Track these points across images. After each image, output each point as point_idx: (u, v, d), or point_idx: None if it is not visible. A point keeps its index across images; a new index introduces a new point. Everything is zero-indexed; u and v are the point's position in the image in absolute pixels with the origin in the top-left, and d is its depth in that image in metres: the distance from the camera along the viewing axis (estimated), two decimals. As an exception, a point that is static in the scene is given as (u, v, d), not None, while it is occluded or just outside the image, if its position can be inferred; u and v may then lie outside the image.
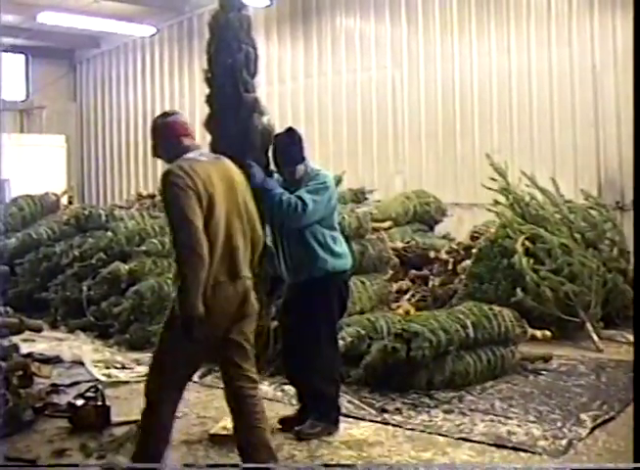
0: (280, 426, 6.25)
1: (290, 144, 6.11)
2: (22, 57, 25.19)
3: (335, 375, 6.34)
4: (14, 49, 24.34)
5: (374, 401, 7.02)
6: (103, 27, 21.72)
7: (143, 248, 10.78)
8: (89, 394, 6.64)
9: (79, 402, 6.57)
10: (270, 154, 6.03)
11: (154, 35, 22.55)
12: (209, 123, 5.92)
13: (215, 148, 5.85)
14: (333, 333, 6.36)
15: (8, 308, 7.58)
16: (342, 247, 6.30)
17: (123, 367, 8.54)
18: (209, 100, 5.93)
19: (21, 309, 8.88)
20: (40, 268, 11.92)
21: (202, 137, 5.76)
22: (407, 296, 10.72)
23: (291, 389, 7.05)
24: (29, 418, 6.48)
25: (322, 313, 6.14)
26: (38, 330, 8.09)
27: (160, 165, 21.93)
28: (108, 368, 8.32)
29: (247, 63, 5.80)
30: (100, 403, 6.54)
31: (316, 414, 6.15)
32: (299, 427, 6.10)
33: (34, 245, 12.26)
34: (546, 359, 8.43)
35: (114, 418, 6.52)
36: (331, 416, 6.22)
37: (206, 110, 5.97)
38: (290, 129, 6.21)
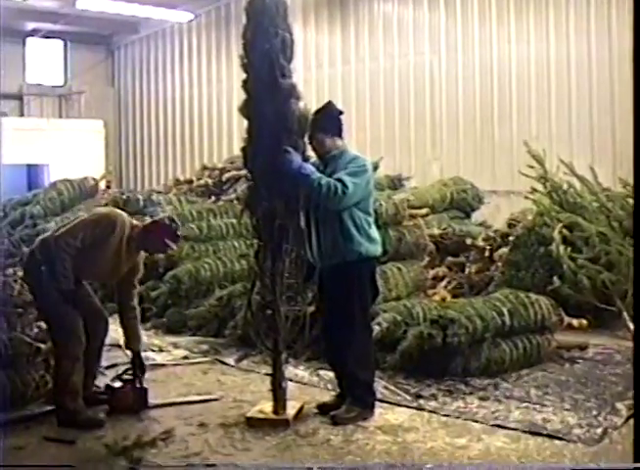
0: (318, 411, 6.29)
1: (323, 113, 6.14)
2: (60, 42, 25.34)
3: (369, 360, 6.36)
4: (52, 34, 24.49)
5: (409, 387, 7.02)
6: (141, 13, 21.81)
7: (180, 232, 10.82)
8: (126, 376, 6.68)
9: (117, 385, 6.62)
10: (306, 138, 6.05)
11: (191, 21, 22.61)
12: (246, 109, 5.93)
13: (252, 133, 5.87)
14: (366, 318, 6.38)
15: (48, 291, 7.64)
16: (375, 232, 6.32)
17: (160, 350, 8.60)
18: (246, 86, 5.94)
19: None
20: (79, 252, 12.02)
21: (239, 123, 5.79)
22: (443, 283, 10.69)
23: (327, 374, 7.09)
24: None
25: (355, 298, 6.16)
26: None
27: (197, 153, 22.09)
28: (145, 351, 8.38)
29: (283, 48, 5.81)
30: (138, 386, 6.59)
31: (351, 399, 6.18)
32: (335, 412, 6.13)
33: (73, 229, 12.36)
34: (582, 348, 8.39)
35: (152, 401, 6.58)
36: (366, 401, 6.24)
37: (243, 95, 5.99)
38: (328, 102, 6.31)
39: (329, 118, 6.19)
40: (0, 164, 13.48)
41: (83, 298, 6.52)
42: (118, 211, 6.86)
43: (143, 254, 6.75)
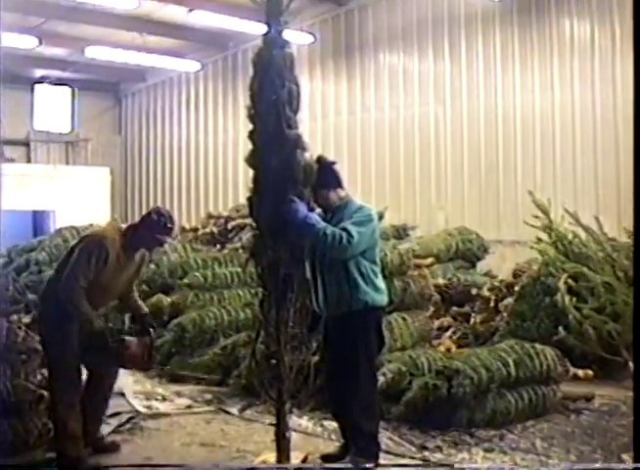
0: (322, 462, 6.24)
1: (318, 169, 6.15)
2: (68, 90, 25.57)
3: (374, 410, 6.32)
4: (60, 82, 24.71)
5: (414, 438, 6.98)
6: (148, 62, 22.02)
7: (185, 281, 10.83)
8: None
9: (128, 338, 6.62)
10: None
11: (199, 70, 22.81)
12: (252, 159, 5.95)
13: (258, 183, 5.90)
14: (371, 368, 6.35)
15: (51, 339, 7.65)
16: (381, 282, 6.31)
17: (164, 399, 8.57)
18: (252, 136, 5.97)
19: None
20: (83, 299, 12.01)
21: (244, 172, 5.82)
22: (449, 333, 10.67)
23: (331, 424, 7.05)
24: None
25: (361, 348, 6.14)
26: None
27: (203, 201, 22.15)
28: (148, 400, 8.34)
29: (290, 99, 5.84)
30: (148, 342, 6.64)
31: (356, 450, 6.12)
32: (339, 462, 6.08)
33: (78, 276, 12.36)
34: (588, 399, 8.34)
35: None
36: (371, 452, 6.18)
37: (249, 145, 6.02)
38: (319, 157, 6.28)
39: (325, 173, 6.19)
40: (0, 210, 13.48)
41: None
42: (100, 228, 7.13)
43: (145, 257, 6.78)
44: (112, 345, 6.30)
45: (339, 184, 6.28)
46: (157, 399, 8.48)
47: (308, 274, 6.08)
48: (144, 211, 6.96)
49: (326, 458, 6.28)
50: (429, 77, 17.91)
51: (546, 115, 16.00)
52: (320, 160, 6.24)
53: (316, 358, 6.43)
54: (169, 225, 6.57)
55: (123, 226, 6.77)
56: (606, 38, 15.23)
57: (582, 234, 10.56)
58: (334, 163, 6.39)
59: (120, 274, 6.47)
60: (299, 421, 7.38)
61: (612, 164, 14.74)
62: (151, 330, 6.70)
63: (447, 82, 17.55)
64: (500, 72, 16.75)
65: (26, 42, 19.28)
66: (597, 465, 5.42)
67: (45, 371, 6.68)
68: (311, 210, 5.97)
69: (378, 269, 6.29)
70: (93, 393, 6.42)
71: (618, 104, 14.69)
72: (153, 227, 6.48)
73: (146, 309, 6.95)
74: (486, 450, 6.68)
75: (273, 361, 6.04)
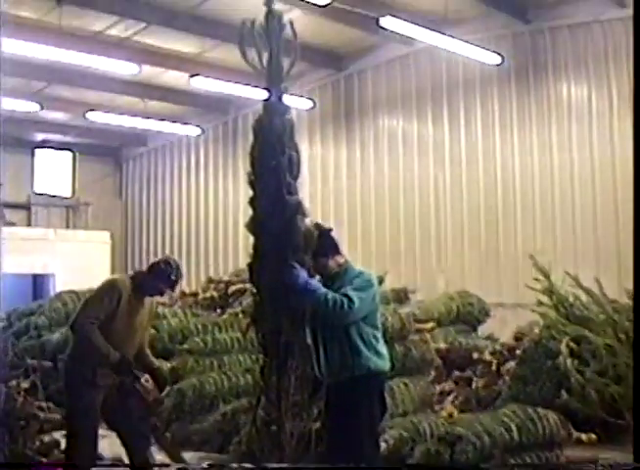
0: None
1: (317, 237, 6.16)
2: (69, 154, 25.70)
3: (376, 477, 6.26)
4: (61, 146, 24.87)
5: (416, 506, 6.91)
6: (149, 127, 22.17)
7: (185, 346, 10.78)
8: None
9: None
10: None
11: (199, 135, 22.96)
12: (253, 225, 5.98)
13: (258, 249, 5.91)
14: (374, 435, 6.29)
15: (50, 404, 7.63)
16: (383, 347, 6.28)
17: (164, 466, 8.46)
18: (253, 202, 6.00)
19: (63, 405, 8.91)
20: (82, 365, 11.94)
21: (245, 237, 5.83)
22: (450, 397, 10.59)
23: (332, 492, 6.95)
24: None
25: (363, 414, 6.08)
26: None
27: (203, 266, 22.15)
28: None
29: (290, 166, 5.88)
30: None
31: (358, 518, 6.05)
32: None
33: (78, 341, 12.31)
34: (592, 463, 8.25)
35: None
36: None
37: (249, 209, 6.04)
38: (315, 224, 6.29)
39: (323, 241, 6.18)
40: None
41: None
42: (114, 275, 7.45)
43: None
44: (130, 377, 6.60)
45: (337, 251, 6.27)
46: (157, 466, 8.39)
47: (309, 340, 6.05)
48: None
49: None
50: (428, 141, 18.04)
51: (545, 177, 16.09)
52: (317, 227, 6.25)
53: (318, 425, 6.37)
54: (173, 278, 6.77)
55: (133, 272, 7.08)
56: (603, 101, 15.37)
57: (583, 296, 10.55)
58: (330, 229, 6.39)
59: (134, 318, 6.71)
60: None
61: (611, 225, 14.78)
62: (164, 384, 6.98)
63: (447, 146, 17.67)
64: (499, 136, 16.88)
65: (28, 107, 19.43)
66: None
67: (44, 437, 6.67)
68: (312, 275, 5.97)
69: (379, 334, 6.26)
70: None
71: (617, 166, 14.78)
72: (158, 276, 6.72)
73: (157, 364, 7.10)
74: (490, 518, 6.60)
75: (274, 428, 6.00)
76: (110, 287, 6.73)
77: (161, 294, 7.00)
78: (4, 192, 22.55)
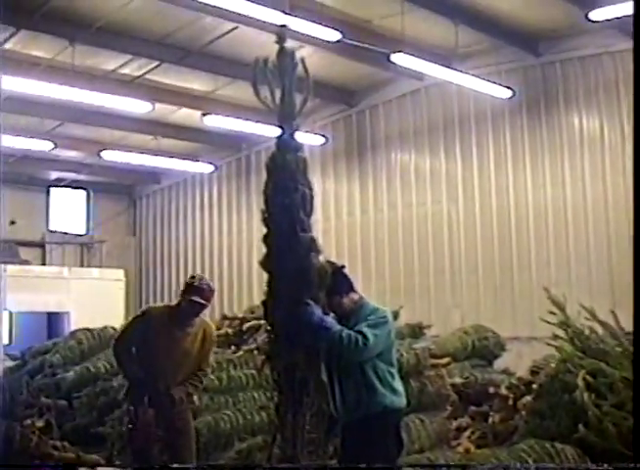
0: None
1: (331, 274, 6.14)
2: (83, 192, 25.83)
3: (394, 516, 6.20)
4: (75, 184, 25.00)
5: None
6: (162, 164, 22.26)
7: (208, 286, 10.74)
8: None
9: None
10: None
11: (212, 172, 23.04)
12: (267, 263, 5.97)
13: (272, 286, 5.90)
14: (391, 472, 6.26)
15: (65, 443, 7.62)
16: (399, 384, 6.25)
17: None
18: (266, 240, 5.99)
19: (77, 444, 8.91)
20: (97, 402, 11.91)
21: (258, 273, 5.84)
22: (467, 433, 10.50)
23: (349, 531, 6.89)
24: None
25: (380, 452, 6.05)
26: (95, 465, 8.08)
27: (217, 303, 22.09)
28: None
29: (303, 203, 5.88)
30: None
31: None
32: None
33: (92, 379, 12.29)
34: (610, 498, 8.16)
35: None
36: None
37: (262, 246, 6.04)
38: (328, 261, 6.27)
39: (336, 278, 6.16)
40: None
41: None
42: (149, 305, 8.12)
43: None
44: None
45: (351, 288, 6.25)
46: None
47: (324, 377, 6.03)
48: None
49: None
50: (440, 175, 18.07)
51: (558, 210, 16.08)
52: (330, 265, 6.23)
53: (334, 463, 6.34)
54: (200, 286, 7.23)
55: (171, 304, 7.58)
56: (615, 132, 15.39)
57: (599, 329, 10.49)
58: (343, 266, 6.37)
59: (173, 344, 7.09)
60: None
61: (625, 257, 14.66)
62: None
63: (459, 180, 17.70)
64: (511, 169, 16.91)
65: (42, 145, 19.55)
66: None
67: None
68: (326, 313, 5.96)
69: (395, 371, 6.23)
70: None
71: (629, 196, 14.72)
72: (188, 291, 7.15)
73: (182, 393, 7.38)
74: None
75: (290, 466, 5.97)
76: (141, 314, 7.41)
77: (199, 309, 7.26)
78: (19, 230, 22.67)
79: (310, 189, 5.96)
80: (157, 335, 7.13)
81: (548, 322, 10.53)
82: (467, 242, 17.42)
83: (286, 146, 5.98)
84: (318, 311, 5.80)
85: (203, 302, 7.17)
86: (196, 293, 7.12)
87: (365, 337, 5.83)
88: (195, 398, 7.51)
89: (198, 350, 7.19)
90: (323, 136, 19.76)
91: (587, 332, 10.36)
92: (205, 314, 7.73)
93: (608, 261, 15.18)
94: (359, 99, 19.82)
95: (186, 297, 7.15)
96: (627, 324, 10.78)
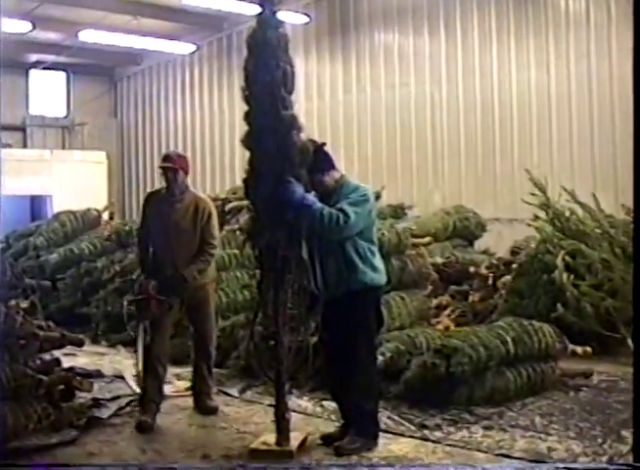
0: (322, 442, 6.25)
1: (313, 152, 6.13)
2: (63, 74, 25.49)
3: (374, 390, 6.32)
4: (55, 66, 24.64)
5: (413, 417, 6.98)
6: (143, 45, 21.92)
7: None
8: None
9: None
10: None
11: (193, 52, 22.71)
12: (248, 141, 5.95)
13: (254, 165, 5.89)
14: (371, 348, 6.36)
15: (50, 323, 7.69)
16: (379, 261, 6.30)
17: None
18: (248, 118, 5.96)
19: (62, 324, 9.01)
20: (82, 283, 12.05)
21: (241, 154, 5.81)
22: (447, 311, 10.67)
23: (330, 404, 7.05)
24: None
25: (360, 328, 6.14)
26: (79, 344, 8.18)
27: (200, 183, 22.05)
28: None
29: (284, 80, 5.83)
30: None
31: (355, 430, 6.13)
32: (339, 443, 6.09)
33: (76, 260, 12.39)
34: (587, 375, 8.35)
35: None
36: (370, 432, 6.19)
37: (245, 126, 6.01)
38: (303, 143, 6.23)
39: (317, 157, 6.14)
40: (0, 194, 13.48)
41: None
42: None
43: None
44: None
45: (332, 166, 6.24)
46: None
47: (306, 255, 6.07)
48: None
49: (326, 439, 6.29)
50: (424, 56, 17.86)
51: (542, 92, 15.97)
52: (308, 144, 6.19)
53: (315, 339, 6.44)
54: (167, 153, 8.05)
55: None
56: (601, 13, 15.16)
57: (580, 211, 10.56)
58: (324, 144, 6.35)
59: (165, 224, 7.23)
60: (299, 402, 7.39)
61: (608, 141, 14.72)
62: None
63: (443, 61, 17.50)
64: (496, 50, 16.70)
65: (20, 27, 19.18)
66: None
67: (44, 356, 6.73)
68: (308, 191, 5.96)
69: (376, 249, 6.28)
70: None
71: (614, 80, 14.65)
72: (160, 163, 7.52)
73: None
74: (486, 428, 6.68)
75: (272, 343, 6.06)
76: (144, 202, 7.61)
77: (172, 175, 7.37)
78: (3, 115, 22.41)
79: (292, 66, 5.89)
80: (152, 217, 7.34)
81: (529, 203, 10.61)
82: (449, 123, 17.33)
83: (266, 23, 5.89)
84: (300, 189, 5.80)
85: (168, 165, 7.25)
86: (164, 160, 7.35)
87: (346, 214, 5.86)
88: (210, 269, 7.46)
89: (193, 224, 7.14)
90: (306, 15, 19.44)
91: (568, 214, 10.45)
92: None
93: (590, 144, 15.16)
94: (343, -23, 19.46)
95: (160, 168, 7.41)
96: (607, 207, 10.88)
